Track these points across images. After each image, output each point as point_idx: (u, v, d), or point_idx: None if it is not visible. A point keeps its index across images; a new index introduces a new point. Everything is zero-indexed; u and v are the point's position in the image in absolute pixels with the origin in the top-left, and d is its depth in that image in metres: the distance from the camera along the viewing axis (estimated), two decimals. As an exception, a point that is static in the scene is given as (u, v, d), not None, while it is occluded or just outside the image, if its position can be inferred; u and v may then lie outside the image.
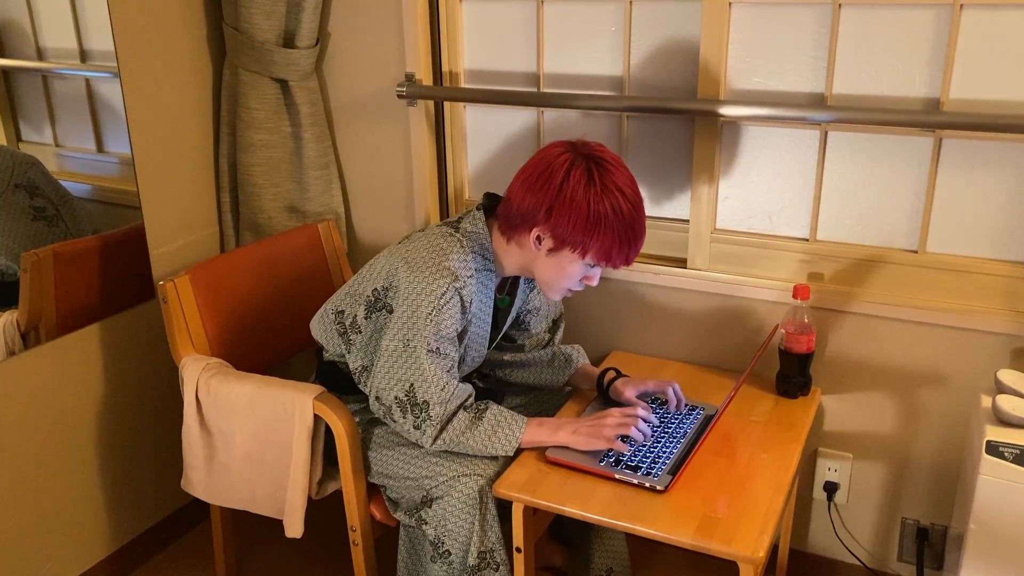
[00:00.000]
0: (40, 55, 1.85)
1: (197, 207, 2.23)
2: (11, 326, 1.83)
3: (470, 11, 2.10)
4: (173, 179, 2.15)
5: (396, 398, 1.62)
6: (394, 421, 1.65)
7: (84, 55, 1.92)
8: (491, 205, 1.73)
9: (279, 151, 2.18)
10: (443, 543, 1.63)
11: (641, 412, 1.65)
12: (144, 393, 2.17)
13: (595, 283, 1.66)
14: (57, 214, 1.91)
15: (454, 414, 1.62)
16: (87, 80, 1.94)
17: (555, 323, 1.97)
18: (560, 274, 1.63)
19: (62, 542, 2.02)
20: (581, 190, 1.54)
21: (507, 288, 1.82)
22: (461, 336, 1.69)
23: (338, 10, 2.16)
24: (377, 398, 1.66)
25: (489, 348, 1.84)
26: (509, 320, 1.85)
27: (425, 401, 1.60)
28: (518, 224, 1.61)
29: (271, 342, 2.09)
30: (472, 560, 1.61)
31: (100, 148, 1.99)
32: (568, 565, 2.03)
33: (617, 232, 1.56)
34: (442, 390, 1.60)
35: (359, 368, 1.74)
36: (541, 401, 1.93)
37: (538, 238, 1.60)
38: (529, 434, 1.63)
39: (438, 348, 1.61)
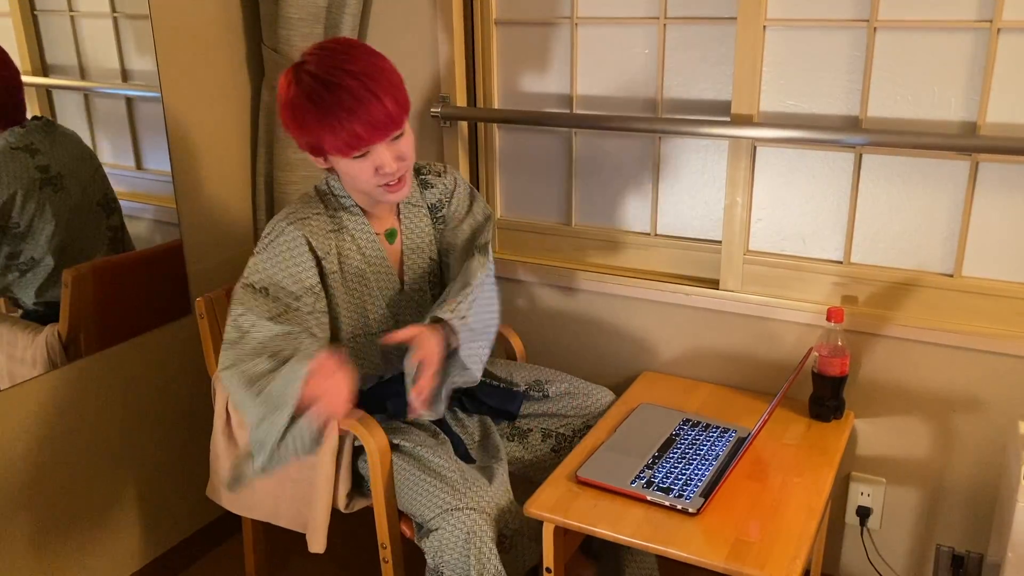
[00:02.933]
0: (83, 74, 1.89)
1: (234, 224, 2.26)
2: (53, 338, 1.86)
3: (504, 33, 2.12)
4: (211, 196, 2.18)
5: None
6: None
7: (125, 75, 1.96)
8: None
9: (315, 170, 2.20)
10: (442, 573, 1.61)
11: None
12: (180, 408, 2.20)
13: (390, 167, 1.56)
14: (124, 233, 1.97)
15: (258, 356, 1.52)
16: (127, 99, 1.98)
17: (483, 246, 1.87)
18: (352, 178, 1.59)
19: (97, 553, 2.05)
20: (285, 90, 1.54)
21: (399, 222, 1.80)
22: (349, 282, 1.68)
23: (374, 32, 2.20)
24: None
25: (404, 294, 1.78)
26: (414, 256, 1.78)
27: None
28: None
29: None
30: None
31: (139, 165, 2.02)
32: None
33: (332, 116, 1.49)
34: (239, 318, 1.55)
35: None
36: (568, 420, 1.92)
37: (314, 157, 1.61)
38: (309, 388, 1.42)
39: (264, 288, 1.58)
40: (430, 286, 1.81)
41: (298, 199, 1.70)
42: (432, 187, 1.81)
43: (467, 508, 1.59)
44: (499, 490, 1.64)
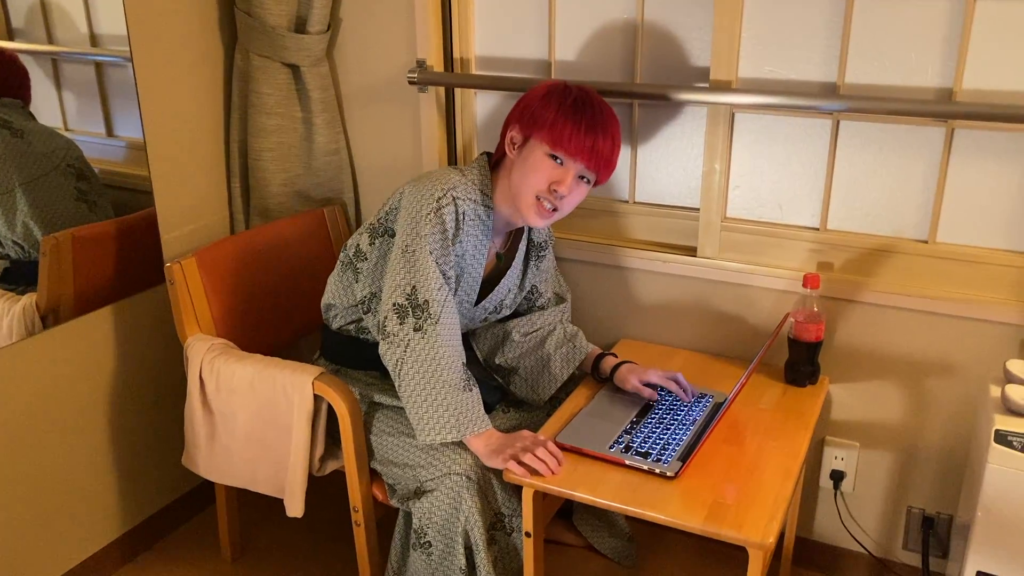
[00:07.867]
0: (51, 39, 1.85)
1: (208, 192, 2.23)
2: (31, 307, 1.84)
3: (482, -3, 2.10)
4: (184, 164, 2.15)
5: (395, 304, 1.63)
6: (390, 335, 1.63)
7: (95, 39, 1.92)
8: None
9: (290, 136, 2.18)
10: (425, 534, 1.64)
11: (550, 445, 1.58)
12: (156, 375, 2.18)
13: (564, 189, 1.63)
14: (97, 202, 1.94)
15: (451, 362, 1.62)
16: (97, 64, 1.94)
17: (559, 297, 1.97)
18: (527, 172, 1.64)
19: (74, 522, 2.03)
20: (546, 84, 1.68)
21: (507, 248, 1.84)
22: (457, 279, 1.71)
23: (350, -5, 2.17)
24: (382, 314, 1.66)
25: (477, 308, 1.82)
26: (503, 289, 1.83)
27: (426, 300, 1.61)
28: (501, 138, 1.73)
29: (276, 324, 2.10)
30: (461, 560, 1.63)
31: (110, 132, 1.99)
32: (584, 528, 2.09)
33: (572, 113, 1.61)
34: (439, 290, 1.62)
35: (367, 296, 1.76)
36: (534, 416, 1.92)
37: (511, 139, 1.68)
38: (472, 439, 1.62)
39: (438, 259, 1.63)
40: (494, 311, 1.85)
41: (454, 173, 1.70)
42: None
43: (464, 475, 1.61)
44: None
